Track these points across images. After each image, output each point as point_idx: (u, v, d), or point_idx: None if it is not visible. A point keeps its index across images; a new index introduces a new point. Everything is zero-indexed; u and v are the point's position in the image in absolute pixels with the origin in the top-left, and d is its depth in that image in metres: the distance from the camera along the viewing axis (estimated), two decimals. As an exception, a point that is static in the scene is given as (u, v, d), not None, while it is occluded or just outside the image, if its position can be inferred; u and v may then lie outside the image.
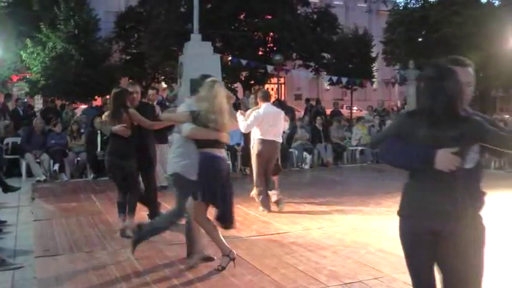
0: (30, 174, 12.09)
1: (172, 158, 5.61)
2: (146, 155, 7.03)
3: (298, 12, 27.52)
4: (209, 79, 5.31)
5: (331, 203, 8.89)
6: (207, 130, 5.17)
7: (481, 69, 23.37)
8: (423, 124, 2.99)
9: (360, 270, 5.42)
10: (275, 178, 8.66)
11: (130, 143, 6.62)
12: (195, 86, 5.54)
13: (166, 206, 8.68)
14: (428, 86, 3.03)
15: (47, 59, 21.01)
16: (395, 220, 7.78)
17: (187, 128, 5.23)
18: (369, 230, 7.16)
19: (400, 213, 3.33)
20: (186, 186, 5.39)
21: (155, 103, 10.67)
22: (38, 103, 25.01)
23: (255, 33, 26.03)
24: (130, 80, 8.25)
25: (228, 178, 5.40)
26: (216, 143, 5.27)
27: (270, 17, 25.71)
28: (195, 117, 5.17)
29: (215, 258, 5.57)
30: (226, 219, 5.30)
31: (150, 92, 10.28)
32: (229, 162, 5.42)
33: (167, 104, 18.53)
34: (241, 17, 26.48)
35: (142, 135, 6.85)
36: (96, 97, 22.00)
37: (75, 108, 18.29)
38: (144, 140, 6.95)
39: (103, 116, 7.23)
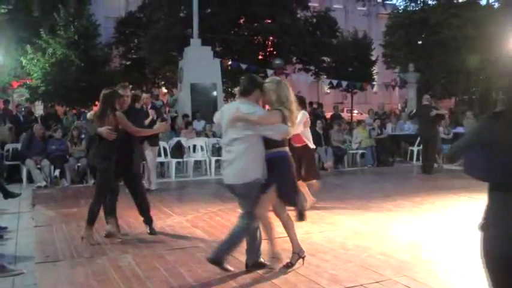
0: (30, 180, 12.11)
1: (246, 164, 5.20)
2: (127, 160, 7.00)
3: (298, 16, 27.56)
4: (273, 78, 5.52)
5: (331, 207, 8.87)
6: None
7: (481, 72, 23.45)
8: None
9: (361, 273, 5.40)
10: None
11: (113, 145, 6.59)
12: (246, 85, 5.35)
13: (166, 210, 8.70)
14: None
15: (47, 64, 21.03)
16: (396, 223, 7.81)
17: (285, 128, 5.22)
18: (370, 233, 7.15)
19: (483, 229, 2.89)
20: (260, 189, 5.27)
21: (149, 107, 10.63)
22: (39, 109, 25.00)
23: (255, 37, 26.07)
24: (121, 83, 8.14)
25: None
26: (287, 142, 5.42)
27: (269, 21, 25.75)
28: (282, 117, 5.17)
29: (267, 263, 5.56)
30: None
31: (144, 96, 10.19)
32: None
33: (167, 109, 18.58)
34: (241, 21, 26.52)
35: (127, 139, 6.84)
36: (97, 102, 21.97)
37: (80, 114, 18.23)
38: (128, 144, 6.95)
39: (88, 115, 7.26)
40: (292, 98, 5.36)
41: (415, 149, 16.20)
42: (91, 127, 7.10)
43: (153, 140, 10.27)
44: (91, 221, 6.67)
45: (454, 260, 5.81)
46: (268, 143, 5.25)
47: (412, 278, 5.20)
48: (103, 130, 6.50)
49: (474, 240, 6.63)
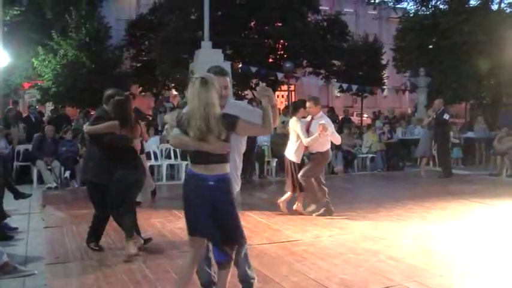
0: (41, 181, 12.17)
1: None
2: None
3: (309, 19, 27.52)
4: (196, 75, 4.14)
5: (341, 211, 8.84)
6: (185, 138, 4.07)
7: (492, 76, 23.29)
8: None
9: (371, 278, 5.38)
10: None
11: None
12: None
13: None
14: None
15: (58, 66, 21.09)
16: (406, 228, 7.78)
17: (171, 135, 4.56)
18: (380, 238, 7.12)
19: None
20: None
21: None
22: (48, 110, 25.11)
23: (265, 40, 26.05)
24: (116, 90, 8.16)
25: (217, 206, 4.09)
26: (198, 157, 4.08)
27: (280, 24, 25.72)
28: (177, 122, 4.16)
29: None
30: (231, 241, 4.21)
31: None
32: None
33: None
34: (252, 24, 26.52)
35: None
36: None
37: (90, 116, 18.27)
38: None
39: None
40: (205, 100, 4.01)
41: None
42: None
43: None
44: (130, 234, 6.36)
45: (465, 266, 5.77)
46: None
47: (423, 283, 5.17)
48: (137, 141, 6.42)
49: (486, 246, 6.62)
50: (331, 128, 8.41)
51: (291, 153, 8.55)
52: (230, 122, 4.00)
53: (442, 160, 14.34)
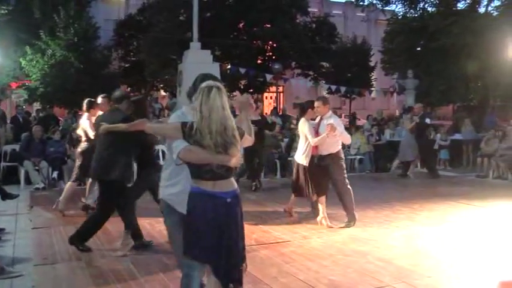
0: (28, 181, 12.07)
1: (161, 181, 4.39)
2: None
3: (297, 21, 27.58)
4: (206, 82, 3.73)
5: (329, 212, 8.82)
6: (204, 152, 3.62)
7: (480, 79, 23.48)
8: None
9: (360, 279, 5.40)
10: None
11: None
12: (190, 90, 4.15)
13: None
14: None
15: (46, 66, 20.99)
16: (394, 229, 7.81)
17: (178, 146, 3.74)
18: (368, 239, 7.15)
19: None
20: (176, 219, 4.14)
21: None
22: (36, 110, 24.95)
23: (254, 42, 26.07)
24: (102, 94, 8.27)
25: (230, 227, 3.73)
26: (206, 172, 3.67)
27: (269, 26, 25.76)
28: (187, 132, 3.66)
29: None
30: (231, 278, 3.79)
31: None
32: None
33: (166, 112, 18.56)
34: (240, 25, 26.54)
35: None
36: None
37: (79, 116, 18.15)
38: None
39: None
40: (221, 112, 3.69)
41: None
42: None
43: None
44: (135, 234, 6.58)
45: (453, 267, 5.81)
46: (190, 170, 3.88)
47: (412, 285, 5.20)
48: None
49: (473, 248, 6.67)
50: (341, 127, 8.09)
51: (300, 155, 8.17)
52: (241, 134, 3.78)
53: (428, 163, 14.44)
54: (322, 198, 8.11)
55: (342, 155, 8.36)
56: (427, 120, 14.41)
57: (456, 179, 14.14)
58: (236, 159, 3.72)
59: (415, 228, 7.85)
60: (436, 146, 16.81)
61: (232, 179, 3.81)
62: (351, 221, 8.03)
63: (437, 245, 6.85)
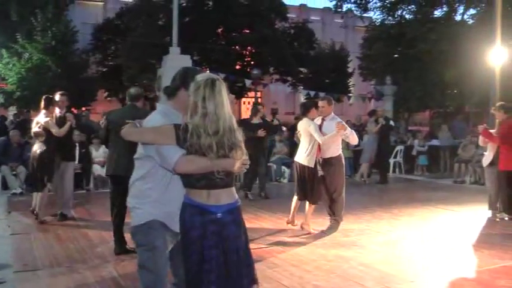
0: (5, 186, 11.92)
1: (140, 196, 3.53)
2: None
3: (276, 26, 27.70)
4: (203, 75, 3.23)
5: (311, 217, 8.86)
6: (205, 160, 3.09)
7: (456, 86, 23.80)
8: None
9: (343, 284, 5.43)
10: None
11: None
12: (174, 85, 3.57)
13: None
14: None
15: (23, 70, 20.77)
16: (376, 234, 7.86)
17: (171, 154, 3.14)
18: (350, 244, 7.19)
19: None
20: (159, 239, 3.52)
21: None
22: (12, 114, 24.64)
23: (233, 47, 26.11)
24: (61, 91, 8.30)
25: (227, 252, 3.21)
26: (202, 178, 3.15)
27: (248, 31, 25.82)
28: (182, 136, 3.10)
29: None
30: None
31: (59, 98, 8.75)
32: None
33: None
34: (219, 30, 26.56)
35: None
36: (73, 109, 21.75)
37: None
38: None
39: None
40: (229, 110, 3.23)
41: (392, 160, 16.32)
42: None
43: (69, 153, 9.16)
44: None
45: (435, 271, 5.87)
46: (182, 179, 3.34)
47: (395, 289, 5.25)
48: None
49: (454, 252, 6.74)
50: (348, 128, 7.92)
51: (303, 156, 7.81)
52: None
53: (381, 167, 14.61)
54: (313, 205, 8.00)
55: (343, 160, 8.14)
56: (391, 123, 14.91)
57: (434, 185, 14.31)
58: (240, 163, 3.23)
59: (396, 233, 7.91)
60: (414, 152, 17.02)
61: (233, 189, 3.29)
62: (333, 227, 8.03)
63: (419, 249, 6.92)
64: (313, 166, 7.74)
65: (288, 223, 8.15)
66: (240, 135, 3.20)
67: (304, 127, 7.82)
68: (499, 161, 8.87)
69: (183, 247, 3.24)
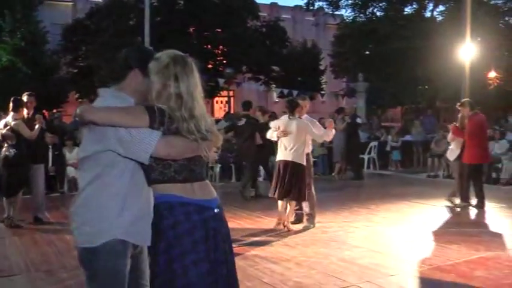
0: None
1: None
2: None
3: (248, 25, 27.69)
4: (167, 52, 2.75)
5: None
6: (186, 140, 2.62)
7: (428, 82, 24.11)
8: None
9: (325, 280, 5.44)
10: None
11: None
12: (123, 67, 2.85)
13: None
14: None
15: (-9, 72, 20.43)
16: (354, 230, 7.91)
17: (151, 138, 2.53)
18: (329, 240, 7.22)
19: None
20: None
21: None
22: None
23: (205, 46, 26.02)
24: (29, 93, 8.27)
25: (225, 252, 2.78)
26: (183, 170, 2.67)
27: (219, 30, 25.77)
28: (158, 119, 2.55)
29: None
30: None
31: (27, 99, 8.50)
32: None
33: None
34: (191, 30, 26.45)
35: None
36: (44, 111, 21.46)
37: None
38: None
39: None
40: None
41: (366, 157, 16.45)
42: None
43: (40, 155, 8.96)
44: None
45: (414, 264, 5.93)
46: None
47: (376, 283, 5.27)
48: None
49: (431, 245, 6.82)
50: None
51: (297, 155, 7.69)
52: None
53: (355, 164, 14.74)
54: (294, 203, 8.01)
55: (311, 159, 8.51)
56: (358, 120, 15.00)
57: (408, 179, 14.47)
58: (213, 152, 2.86)
59: (373, 228, 7.98)
60: (388, 148, 17.19)
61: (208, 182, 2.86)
62: (311, 223, 8.10)
63: (397, 243, 6.99)
64: (305, 163, 7.82)
65: (278, 225, 8.00)
66: (210, 120, 2.80)
67: (303, 126, 7.87)
68: (463, 155, 9.42)
69: (174, 260, 2.59)
